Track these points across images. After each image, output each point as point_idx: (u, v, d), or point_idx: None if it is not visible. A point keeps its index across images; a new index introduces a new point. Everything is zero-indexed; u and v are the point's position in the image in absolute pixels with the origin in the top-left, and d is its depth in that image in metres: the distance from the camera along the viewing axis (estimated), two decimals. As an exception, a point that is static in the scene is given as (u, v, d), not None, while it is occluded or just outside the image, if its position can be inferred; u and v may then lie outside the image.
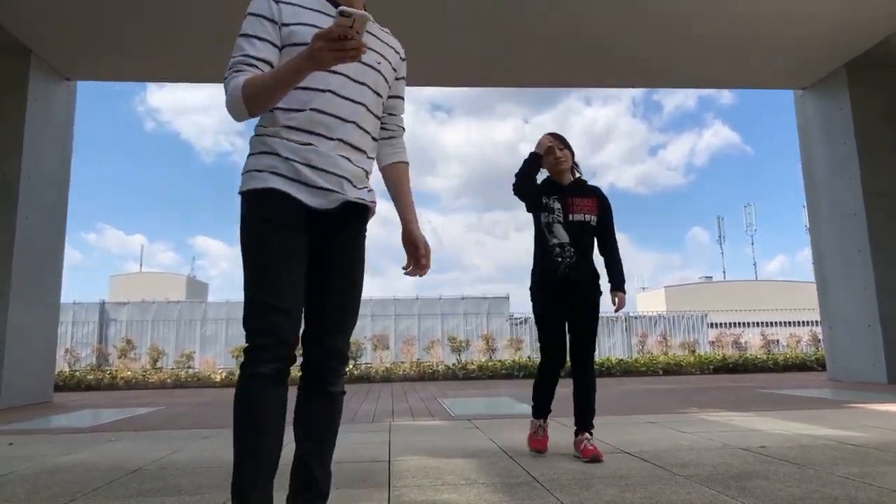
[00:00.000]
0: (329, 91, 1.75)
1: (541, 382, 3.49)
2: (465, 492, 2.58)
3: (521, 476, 2.87)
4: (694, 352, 16.35)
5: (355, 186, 1.80)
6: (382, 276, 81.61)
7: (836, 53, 9.10)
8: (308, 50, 1.56)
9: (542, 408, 3.49)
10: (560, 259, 3.33)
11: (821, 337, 11.99)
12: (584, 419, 3.35)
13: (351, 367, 14.05)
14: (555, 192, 3.43)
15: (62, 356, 15.89)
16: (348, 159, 1.78)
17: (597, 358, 15.29)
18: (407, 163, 2.08)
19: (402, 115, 2.09)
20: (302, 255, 1.75)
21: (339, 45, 1.50)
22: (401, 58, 2.03)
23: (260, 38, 1.75)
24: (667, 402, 6.53)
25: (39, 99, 8.41)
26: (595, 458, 3.11)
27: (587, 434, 3.29)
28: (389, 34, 2.00)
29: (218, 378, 13.09)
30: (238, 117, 1.72)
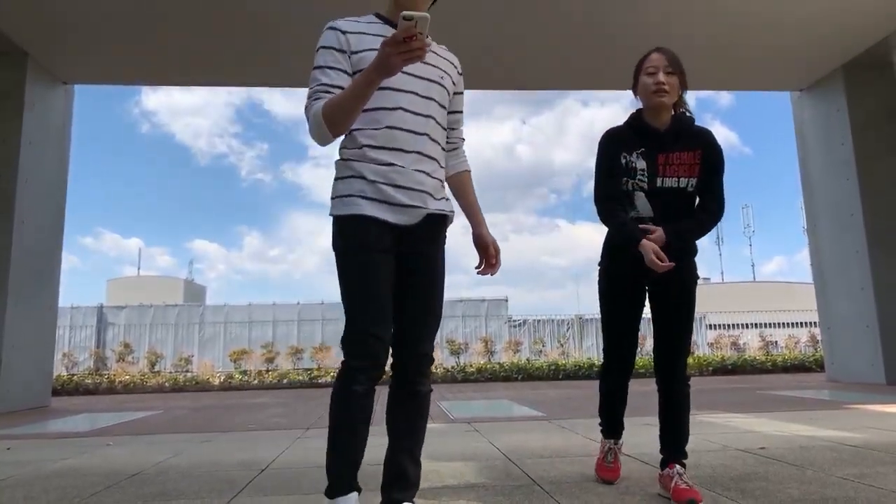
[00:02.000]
0: (400, 108, 1.91)
1: (604, 395, 2.74)
2: (464, 494, 2.58)
3: (520, 479, 2.86)
4: (692, 353, 16.37)
5: (435, 198, 1.97)
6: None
7: (833, 55, 9.12)
8: (377, 59, 1.70)
9: (610, 426, 2.76)
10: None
11: (819, 338, 12.00)
12: (672, 445, 2.52)
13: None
14: (642, 144, 2.48)
15: (60, 360, 15.87)
16: (426, 173, 1.95)
17: (593, 358, 15.05)
18: (469, 171, 2.24)
19: (462, 128, 2.25)
20: (392, 277, 1.92)
21: (405, 48, 1.64)
22: (458, 72, 2.19)
23: (332, 68, 1.91)
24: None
25: (37, 103, 8.40)
26: (693, 503, 2.24)
27: (678, 467, 2.43)
28: (447, 50, 2.15)
29: (216, 381, 13.07)
30: (322, 141, 1.87)
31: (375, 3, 2.14)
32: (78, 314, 20.08)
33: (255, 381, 13.09)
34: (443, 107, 2.03)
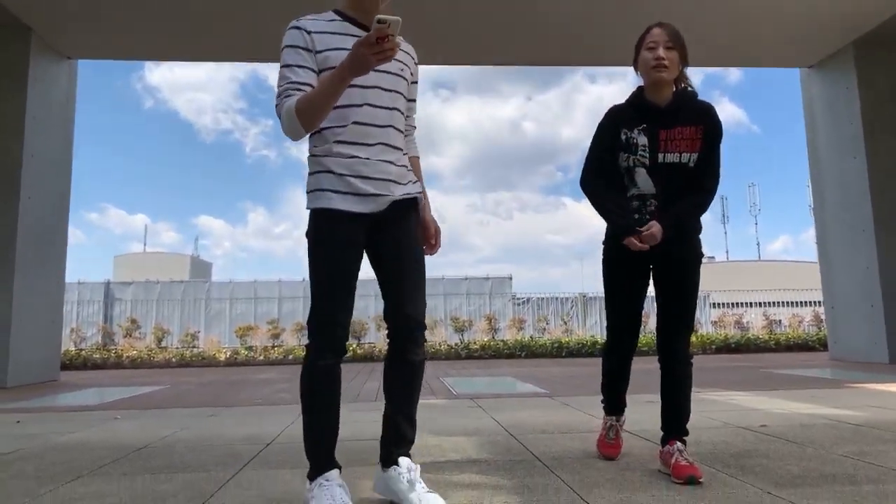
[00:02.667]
0: (367, 104, 2.03)
1: (607, 371, 2.76)
2: (466, 469, 2.61)
3: (522, 454, 2.89)
4: (696, 332, 16.40)
5: (401, 184, 2.11)
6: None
7: (843, 31, 8.98)
8: (350, 58, 1.82)
9: (611, 403, 2.77)
10: (639, 216, 2.47)
11: (823, 317, 11.99)
12: (673, 423, 2.54)
13: (355, 345, 14.13)
14: (643, 119, 2.46)
15: (68, 335, 16.02)
16: (391, 161, 2.08)
17: (596, 336, 15.10)
18: (418, 156, 2.36)
19: (415, 116, 2.34)
20: (357, 266, 2.08)
21: (378, 48, 1.76)
22: (415, 62, 2.27)
23: (300, 66, 2.01)
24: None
25: (40, 78, 8.37)
26: (692, 479, 2.26)
27: (678, 444, 2.45)
28: (404, 41, 2.19)
29: (222, 357, 13.18)
30: (295, 136, 1.99)
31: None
32: (85, 290, 20.22)
33: (261, 357, 13.20)
34: (406, 98, 2.19)
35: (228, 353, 13.46)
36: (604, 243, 2.67)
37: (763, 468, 2.51)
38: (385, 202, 2.06)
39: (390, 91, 2.09)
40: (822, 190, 9.93)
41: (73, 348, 14.91)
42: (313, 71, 2.01)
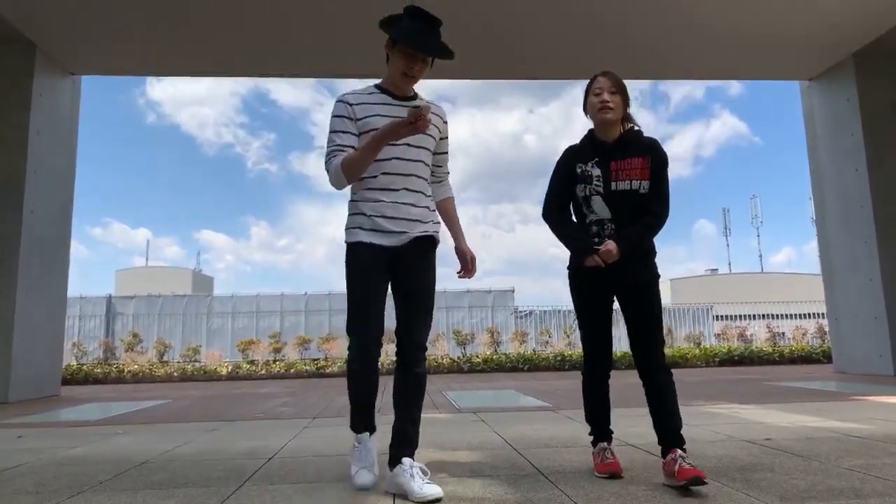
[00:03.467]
0: (395, 158, 2.53)
1: (586, 395, 2.84)
2: (469, 484, 2.59)
3: (525, 468, 2.88)
4: (699, 344, 16.34)
5: (421, 223, 2.58)
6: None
7: (843, 44, 9.03)
8: (388, 130, 2.37)
9: (597, 429, 2.81)
10: (598, 240, 2.67)
11: (827, 329, 11.95)
12: (668, 433, 2.56)
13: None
14: (595, 154, 2.73)
15: (69, 350, 16.00)
16: (412, 204, 2.56)
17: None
18: (452, 197, 2.87)
19: (448, 165, 2.84)
20: (384, 287, 2.59)
21: (412, 126, 2.32)
22: (444, 121, 2.73)
23: (343, 132, 2.54)
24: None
25: (44, 94, 8.43)
26: (697, 480, 2.29)
27: (679, 451, 2.46)
28: (435, 103, 2.67)
29: (224, 371, 13.16)
30: (339, 187, 2.53)
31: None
32: (87, 304, 20.24)
33: (263, 371, 13.17)
34: (430, 151, 2.65)
35: (230, 368, 13.43)
36: (568, 277, 2.86)
37: (769, 482, 2.49)
38: (406, 238, 2.54)
39: (417, 147, 2.57)
40: (824, 202, 9.93)
41: (75, 363, 14.89)
42: (354, 135, 2.53)
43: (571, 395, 6.79)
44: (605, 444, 2.77)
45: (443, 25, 2.60)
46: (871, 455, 2.96)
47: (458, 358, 13.87)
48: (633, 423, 3.74)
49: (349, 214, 2.60)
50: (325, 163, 2.53)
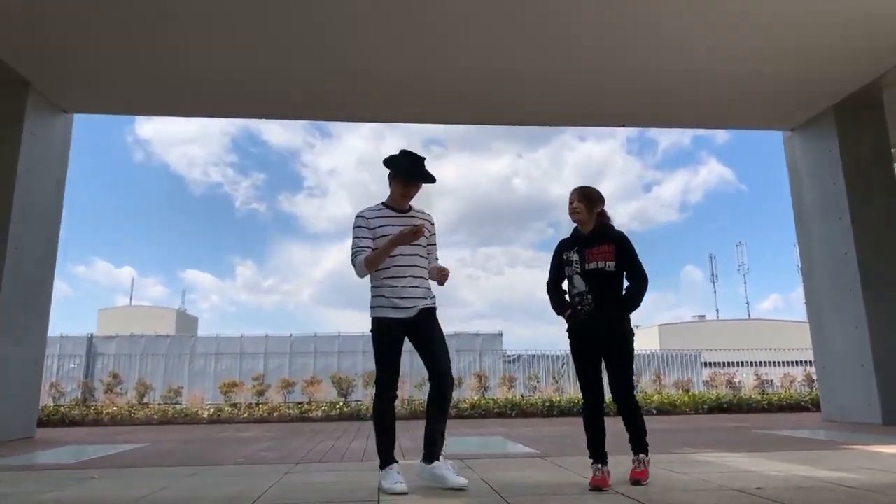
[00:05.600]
0: (400, 254, 3.62)
1: (586, 425, 3.73)
2: (456, 533, 2.52)
3: (513, 517, 2.80)
4: (688, 391, 16.23)
5: (424, 299, 3.67)
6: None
7: (823, 96, 9.29)
8: (395, 241, 3.53)
9: (596, 452, 3.64)
10: (580, 307, 3.66)
11: (815, 377, 11.95)
12: (636, 441, 3.67)
13: (341, 403, 13.86)
14: (575, 244, 3.78)
15: (47, 390, 15.61)
16: (415, 286, 3.64)
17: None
18: (437, 260, 3.88)
19: (437, 254, 3.88)
20: (399, 347, 3.62)
21: (413, 237, 3.51)
22: (431, 223, 3.86)
23: (364, 237, 3.67)
24: (661, 441, 6.43)
25: (37, 131, 8.44)
26: (637, 482, 3.49)
27: (641, 455, 3.65)
28: (424, 212, 3.89)
29: (205, 414, 12.87)
30: (362, 276, 3.66)
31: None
32: (67, 343, 19.86)
33: (245, 415, 12.91)
34: (424, 247, 3.74)
35: (212, 411, 13.15)
36: (568, 337, 3.80)
37: (761, 533, 2.44)
38: (414, 311, 3.61)
39: (414, 245, 3.65)
40: (810, 250, 10.04)
41: (52, 404, 14.52)
42: (370, 239, 3.66)
43: (560, 442, 6.69)
44: (599, 465, 3.59)
45: (426, 159, 3.78)
46: (864, 506, 2.92)
47: (430, 404, 13.64)
48: (628, 471, 3.69)
49: (372, 297, 3.66)
50: (352, 258, 3.64)
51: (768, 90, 9.08)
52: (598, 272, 3.63)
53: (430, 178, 3.73)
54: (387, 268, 3.59)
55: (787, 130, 10.53)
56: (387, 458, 3.53)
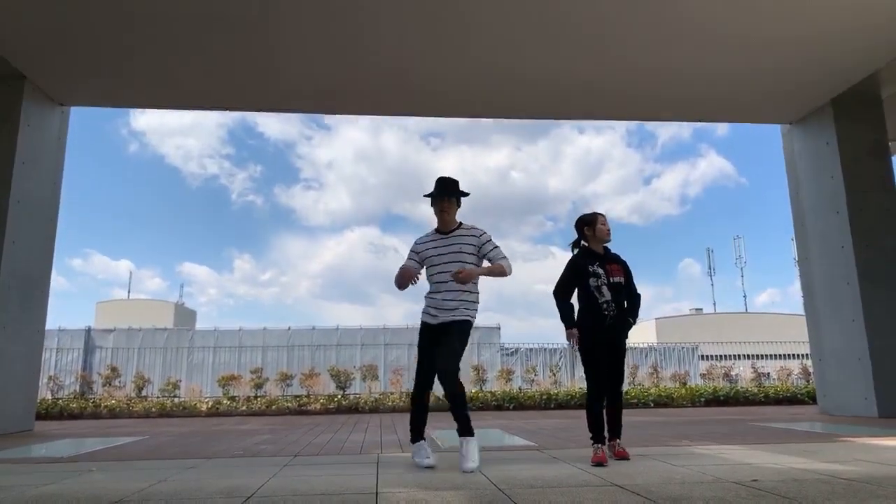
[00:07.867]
0: (438, 272, 4.34)
1: (592, 412, 4.36)
2: (453, 526, 2.53)
3: (510, 510, 2.81)
4: (685, 384, 16.29)
5: (455, 310, 4.27)
6: (372, 305, 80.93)
7: (821, 90, 9.29)
8: (405, 275, 4.32)
9: (598, 435, 4.30)
10: (607, 313, 4.38)
11: (811, 370, 11.99)
12: (615, 430, 4.43)
13: (339, 396, 13.88)
14: (595, 260, 4.49)
15: (45, 383, 15.62)
16: (450, 300, 4.28)
17: (584, 389, 15.42)
18: (501, 263, 4.40)
19: (500, 256, 4.41)
20: (433, 347, 4.28)
21: (409, 279, 4.33)
22: (477, 237, 4.40)
23: (410, 259, 4.47)
24: (658, 434, 6.46)
25: (32, 124, 8.41)
26: (623, 458, 4.28)
27: (618, 440, 4.43)
28: (472, 228, 4.46)
29: (204, 407, 12.90)
30: (399, 290, 4.40)
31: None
32: (65, 336, 19.83)
33: (244, 408, 12.93)
34: (467, 263, 4.29)
35: (210, 403, 13.17)
36: (586, 331, 4.41)
37: (757, 525, 2.45)
38: (442, 321, 4.28)
39: (450, 263, 4.29)
40: (807, 243, 10.06)
41: (50, 397, 14.52)
42: (416, 261, 4.45)
43: (557, 435, 6.71)
44: (600, 444, 4.25)
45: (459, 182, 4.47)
46: (858, 498, 2.94)
47: (443, 396, 13.69)
48: (624, 464, 3.69)
49: (425, 306, 4.43)
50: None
51: (767, 84, 9.08)
52: (618, 285, 4.46)
53: (453, 193, 4.39)
54: (431, 284, 4.41)
55: (786, 124, 10.54)
56: (416, 434, 4.35)
